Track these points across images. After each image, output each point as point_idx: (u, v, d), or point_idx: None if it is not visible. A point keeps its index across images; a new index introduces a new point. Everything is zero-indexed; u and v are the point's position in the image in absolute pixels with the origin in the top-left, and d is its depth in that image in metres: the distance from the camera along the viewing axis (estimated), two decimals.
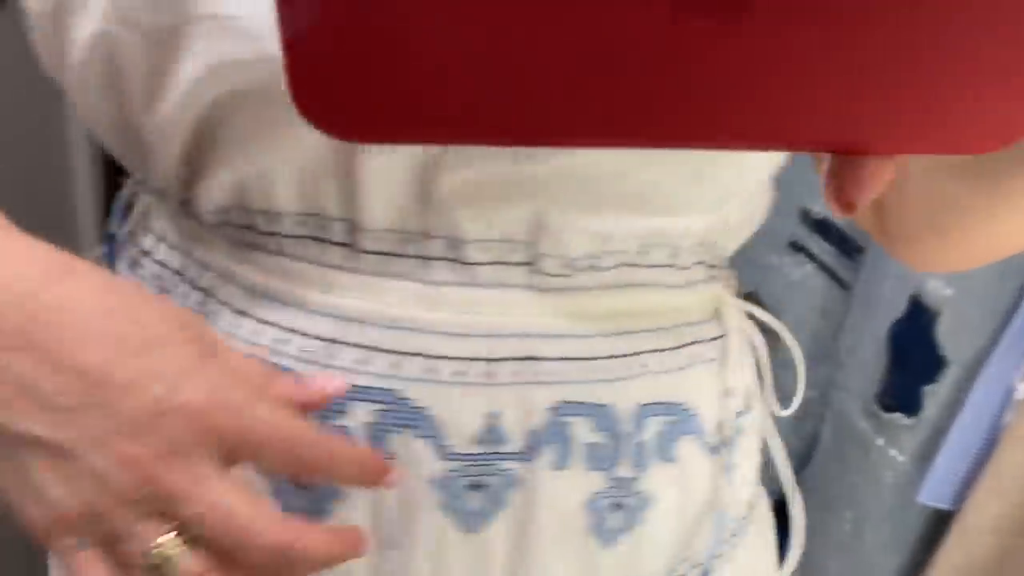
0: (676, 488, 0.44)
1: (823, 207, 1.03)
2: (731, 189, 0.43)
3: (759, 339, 0.51)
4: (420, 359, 0.39)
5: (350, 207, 0.38)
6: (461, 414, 0.40)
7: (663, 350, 0.44)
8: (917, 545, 0.89)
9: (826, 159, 0.23)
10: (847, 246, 1.02)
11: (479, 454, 0.40)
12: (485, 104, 0.20)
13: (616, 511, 0.43)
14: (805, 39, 0.18)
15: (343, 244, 0.39)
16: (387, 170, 0.37)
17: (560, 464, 0.41)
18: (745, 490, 0.50)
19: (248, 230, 0.40)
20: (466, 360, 0.40)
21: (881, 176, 0.21)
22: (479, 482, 0.40)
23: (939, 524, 0.87)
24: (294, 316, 0.39)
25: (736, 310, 0.49)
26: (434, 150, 0.35)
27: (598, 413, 0.42)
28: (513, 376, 0.40)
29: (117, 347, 0.29)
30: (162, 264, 0.44)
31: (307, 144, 0.36)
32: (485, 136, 0.21)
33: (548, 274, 0.40)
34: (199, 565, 0.30)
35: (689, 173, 0.40)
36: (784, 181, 1.11)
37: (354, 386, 0.39)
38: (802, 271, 1.06)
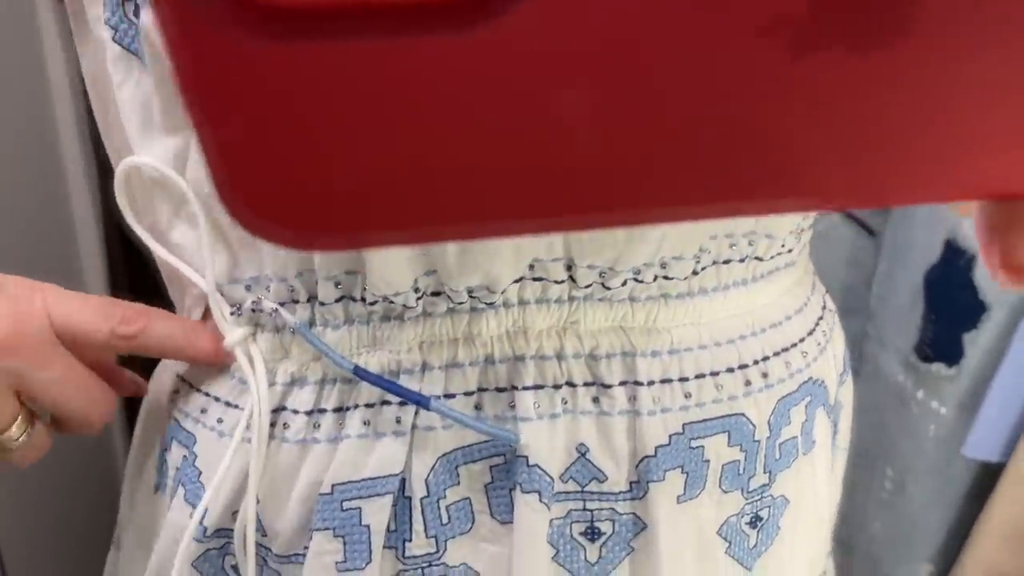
0: (799, 479, 0.41)
1: None
2: None
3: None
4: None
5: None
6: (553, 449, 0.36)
7: (795, 344, 0.40)
8: (964, 500, 0.85)
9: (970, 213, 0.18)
10: None
11: (573, 493, 0.36)
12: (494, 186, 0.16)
13: (754, 526, 0.39)
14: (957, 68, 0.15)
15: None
16: None
17: (687, 494, 0.37)
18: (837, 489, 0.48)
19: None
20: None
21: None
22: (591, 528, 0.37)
23: (987, 478, 0.83)
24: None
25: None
26: None
27: (733, 426, 0.37)
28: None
29: None
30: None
31: None
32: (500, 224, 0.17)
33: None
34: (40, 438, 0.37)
35: None
36: None
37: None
38: (827, 220, 1.02)
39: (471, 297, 0.34)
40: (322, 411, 0.36)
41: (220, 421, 0.38)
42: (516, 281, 0.34)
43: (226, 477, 0.36)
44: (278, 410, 0.36)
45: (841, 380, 0.45)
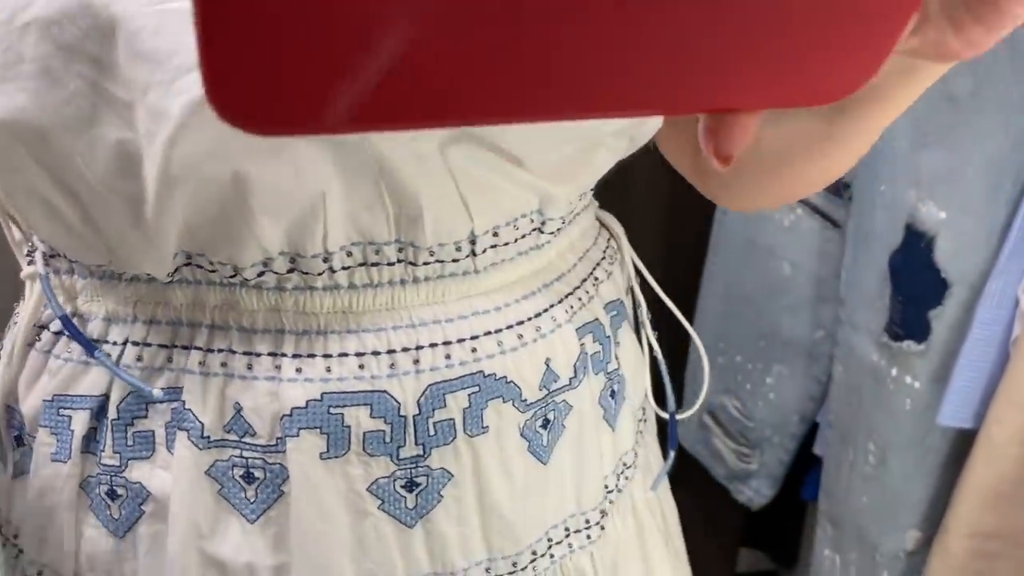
0: (478, 459, 0.46)
1: None
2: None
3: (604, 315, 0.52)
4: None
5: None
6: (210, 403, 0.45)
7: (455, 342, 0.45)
8: (943, 468, 0.91)
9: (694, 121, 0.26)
10: (833, 185, 1.03)
11: (232, 441, 0.44)
12: (408, 85, 0.21)
13: (411, 490, 0.45)
14: (682, 9, 0.22)
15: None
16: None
17: (330, 453, 0.44)
18: (593, 483, 0.51)
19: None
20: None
21: (750, 129, 0.24)
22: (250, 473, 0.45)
23: (962, 444, 0.88)
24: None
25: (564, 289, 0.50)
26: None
27: (376, 401, 0.44)
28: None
29: None
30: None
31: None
32: (409, 119, 0.22)
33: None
34: None
35: None
36: None
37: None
38: (793, 216, 1.07)
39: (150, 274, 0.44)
40: (60, 334, 0.46)
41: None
42: (185, 265, 0.43)
43: (4, 368, 0.49)
44: (43, 326, 0.47)
45: (571, 384, 0.48)
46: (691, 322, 1.23)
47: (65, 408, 0.46)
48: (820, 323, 1.08)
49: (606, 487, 0.52)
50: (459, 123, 0.23)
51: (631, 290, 0.57)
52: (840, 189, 1.02)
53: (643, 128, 0.46)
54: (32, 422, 0.47)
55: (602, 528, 0.52)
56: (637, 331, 0.57)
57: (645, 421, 0.58)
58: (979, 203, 0.82)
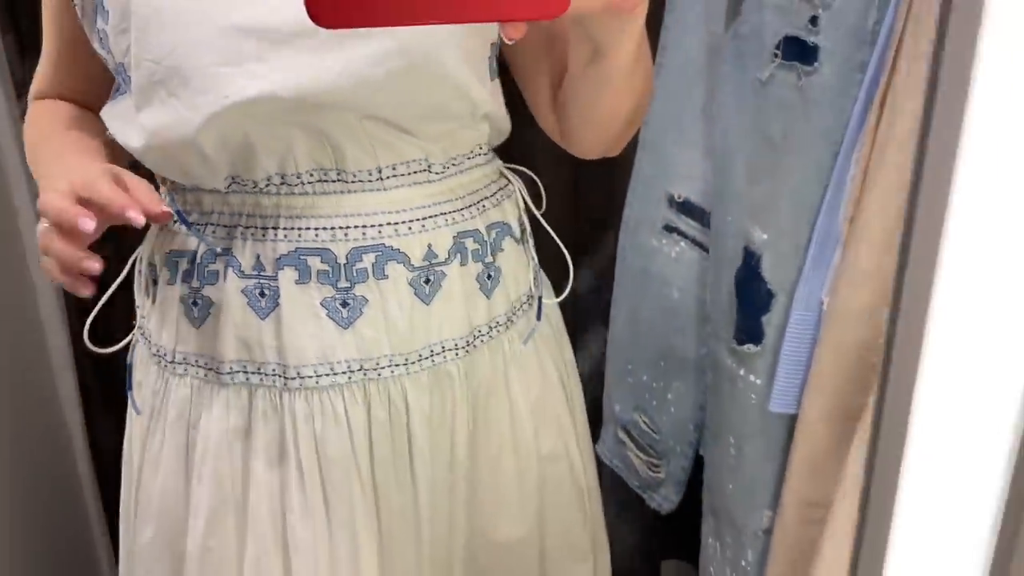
0: (383, 293, 0.80)
1: (683, 190, 1.22)
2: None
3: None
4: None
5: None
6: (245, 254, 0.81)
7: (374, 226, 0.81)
8: (782, 452, 1.05)
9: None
10: (706, 219, 1.21)
11: (254, 275, 0.80)
12: None
13: (345, 306, 0.80)
14: None
15: None
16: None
17: (300, 280, 0.79)
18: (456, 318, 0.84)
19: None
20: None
21: (520, 29, 0.50)
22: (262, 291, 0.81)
23: (795, 430, 1.03)
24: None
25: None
26: None
27: (323, 254, 0.79)
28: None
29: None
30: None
31: None
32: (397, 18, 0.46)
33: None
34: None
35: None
36: (650, 176, 1.31)
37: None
38: (678, 248, 1.25)
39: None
40: (175, 222, 0.82)
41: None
42: (233, 182, 0.79)
43: (149, 244, 0.87)
44: (176, 221, 0.83)
45: (446, 262, 0.82)
46: (604, 348, 1.40)
47: (175, 257, 0.83)
48: (703, 340, 1.24)
49: (479, 331, 0.86)
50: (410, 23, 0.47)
51: (522, 225, 0.92)
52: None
53: (498, 114, 0.83)
54: (161, 267, 0.84)
55: (467, 352, 0.86)
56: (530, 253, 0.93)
57: (529, 306, 0.92)
58: (789, 225, 0.99)
